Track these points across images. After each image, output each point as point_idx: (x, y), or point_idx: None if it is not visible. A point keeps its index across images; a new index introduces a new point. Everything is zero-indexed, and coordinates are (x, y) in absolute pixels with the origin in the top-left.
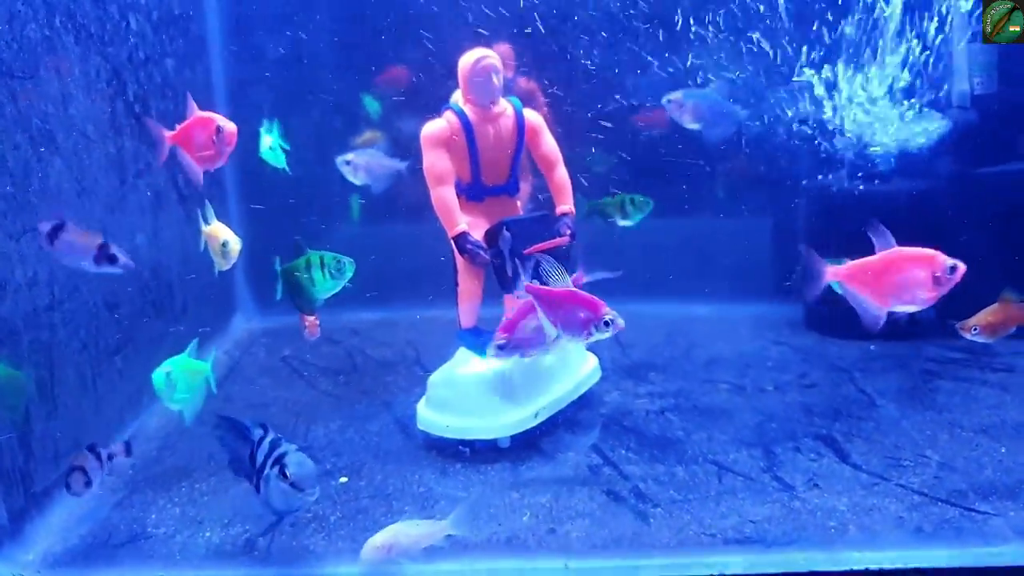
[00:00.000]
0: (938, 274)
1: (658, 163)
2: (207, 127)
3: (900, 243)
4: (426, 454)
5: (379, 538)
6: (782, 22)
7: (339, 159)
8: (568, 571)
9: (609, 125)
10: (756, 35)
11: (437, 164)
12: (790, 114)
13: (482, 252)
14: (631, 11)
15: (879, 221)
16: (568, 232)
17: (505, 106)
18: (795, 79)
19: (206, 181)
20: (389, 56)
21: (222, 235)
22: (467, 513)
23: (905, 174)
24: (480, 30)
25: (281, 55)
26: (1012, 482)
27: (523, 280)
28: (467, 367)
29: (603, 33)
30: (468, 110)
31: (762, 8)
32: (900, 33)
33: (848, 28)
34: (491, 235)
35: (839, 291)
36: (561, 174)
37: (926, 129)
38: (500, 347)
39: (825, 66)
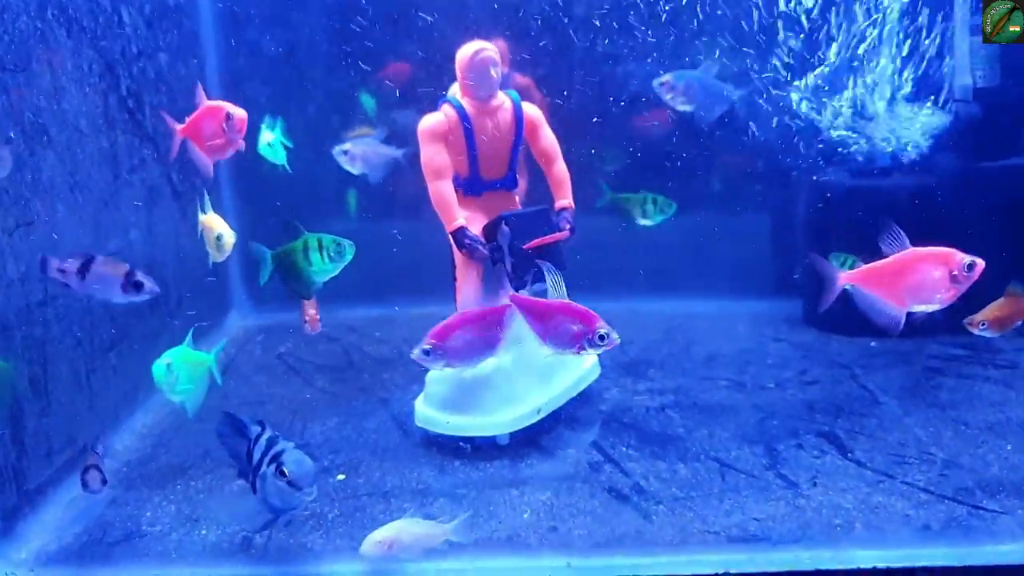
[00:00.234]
0: (955, 272)
1: (654, 159)
2: (216, 116)
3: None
4: (424, 451)
5: (380, 533)
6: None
7: (336, 149)
8: (571, 569)
9: (597, 119)
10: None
11: (435, 158)
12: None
13: (480, 247)
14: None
15: (893, 222)
16: (568, 227)
17: (503, 99)
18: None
19: (200, 177)
20: (385, 49)
21: (217, 228)
22: (469, 521)
23: (907, 169)
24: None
25: (275, 50)
26: (1019, 479)
27: (525, 279)
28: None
29: (596, 22)
30: (466, 103)
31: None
32: (900, 24)
33: (848, 22)
34: (489, 230)
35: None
36: (560, 168)
37: (928, 123)
38: (425, 352)
39: (823, 59)
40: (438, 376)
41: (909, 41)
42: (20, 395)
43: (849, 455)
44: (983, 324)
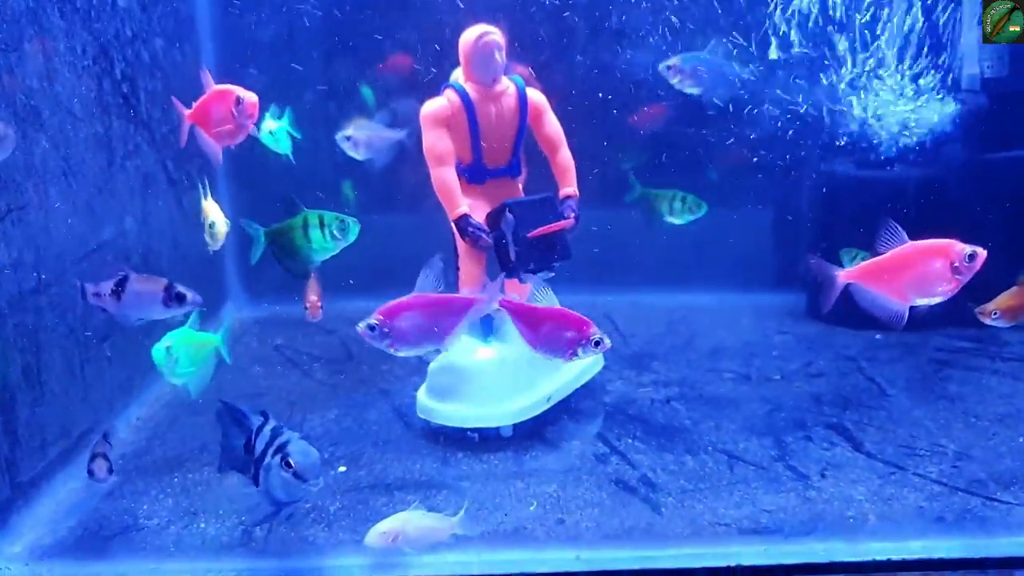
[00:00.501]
0: (956, 263)
1: (652, 150)
2: (226, 100)
3: (909, 231)
4: (426, 443)
5: (385, 525)
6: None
7: (339, 135)
8: (580, 562)
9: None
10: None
11: (438, 144)
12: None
13: (484, 235)
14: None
15: (890, 218)
16: (572, 215)
17: (507, 84)
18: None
19: (195, 164)
20: (384, 38)
21: (211, 215)
22: (474, 514)
23: (913, 160)
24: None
25: (272, 36)
26: None
27: (529, 267)
28: (469, 354)
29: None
30: (469, 88)
31: None
32: (908, 13)
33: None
34: (493, 217)
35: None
36: (565, 156)
37: (935, 113)
38: (371, 327)
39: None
40: (441, 367)
41: (912, 26)
42: (13, 384)
43: (859, 447)
44: (995, 313)
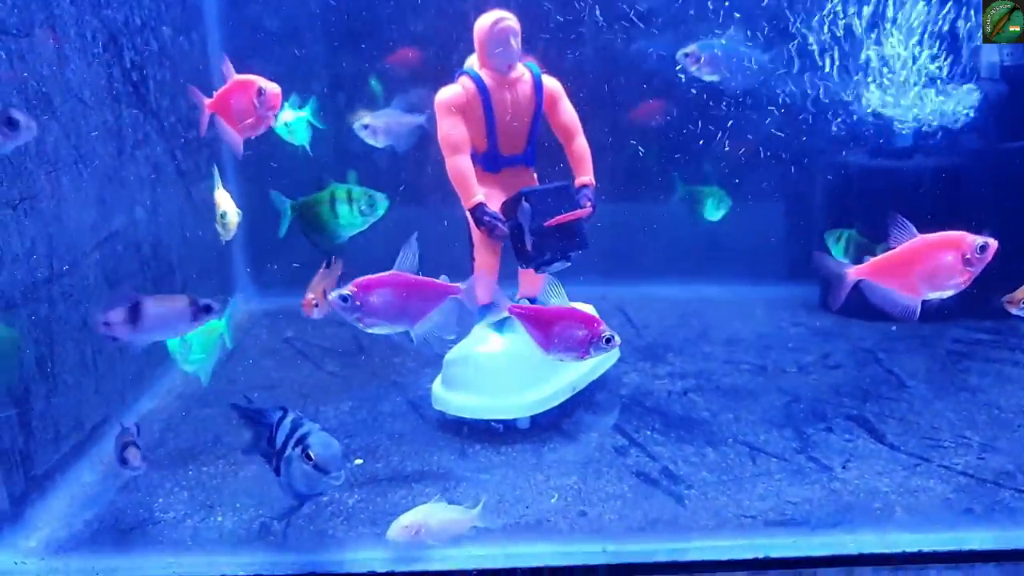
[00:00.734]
0: (968, 255)
1: (662, 142)
2: (247, 91)
3: (926, 222)
4: (443, 435)
5: (407, 518)
6: None
7: (356, 124)
8: (607, 554)
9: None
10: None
11: (453, 132)
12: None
13: (500, 224)
14: None
15: (898, 213)
16: (589, 204)
17: (523, 71)
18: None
19: (204, 155)
20: (395, 26)
21: (222, 205)
22: (495, 506)
23: (930, 149)
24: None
25: (279, 25)
26: None
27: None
28: (485, 345)
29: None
30: (485, 75)
31: None
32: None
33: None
34: (509, 206)
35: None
36: (581, 144)
37: (953, 102)
38: (343, 297)
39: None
40: (457, 358)
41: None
42: (27, 376)
43: (881, 439)
44: None
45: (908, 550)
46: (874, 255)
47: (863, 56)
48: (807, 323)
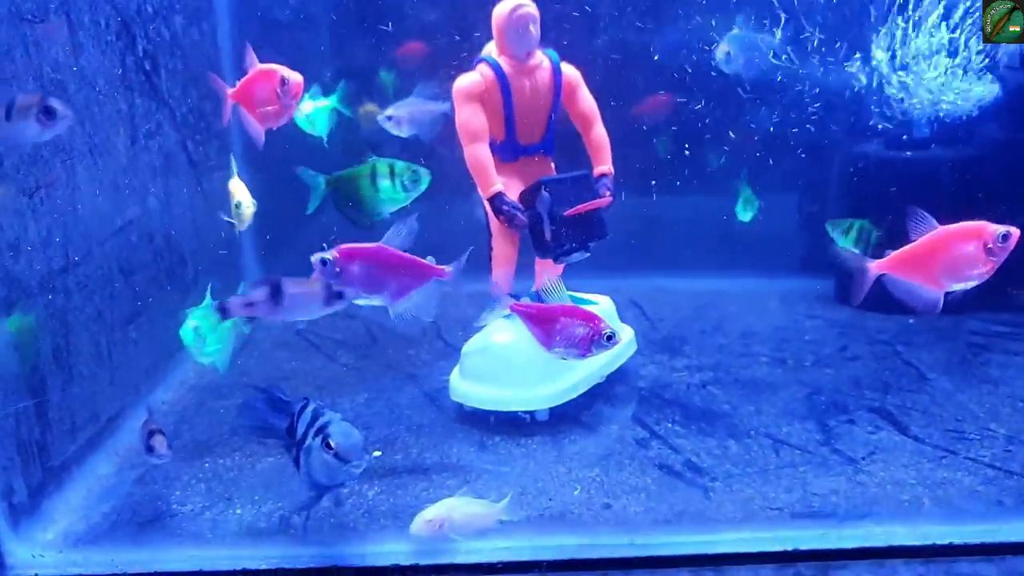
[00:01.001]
0: (990, 245)
1: (678, 136)
2: (270, 80)
3: (945, 214)
4: (461, 427)
5: (431, 512)
6: None
7: (380, 116)
8: (635, 547)
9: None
10: None
11: (472, 120)
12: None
13: (519, 213)
14: None
15: (916, 205)
16: (608, 193)
17: (541, 58)
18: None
19: (214, 147)
20: (408, 16)
21: (237, 195)
22: (518, 499)
23: (949, 140)
24: None
25: (289, 15)
26: None
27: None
28: (503, 335)
29: None
30: (503, 62)
31: None
32: None
33: None
34: (527, 196)
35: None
36: (599, 132)
37: (972, 91)
38: (323, 261)
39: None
40: (475, 348)
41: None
42: (43, 366)
43: (905, 431)
44: None
45: (939, 542)
46: (873, 240)
47: (879, 43)
48: (823, 316)
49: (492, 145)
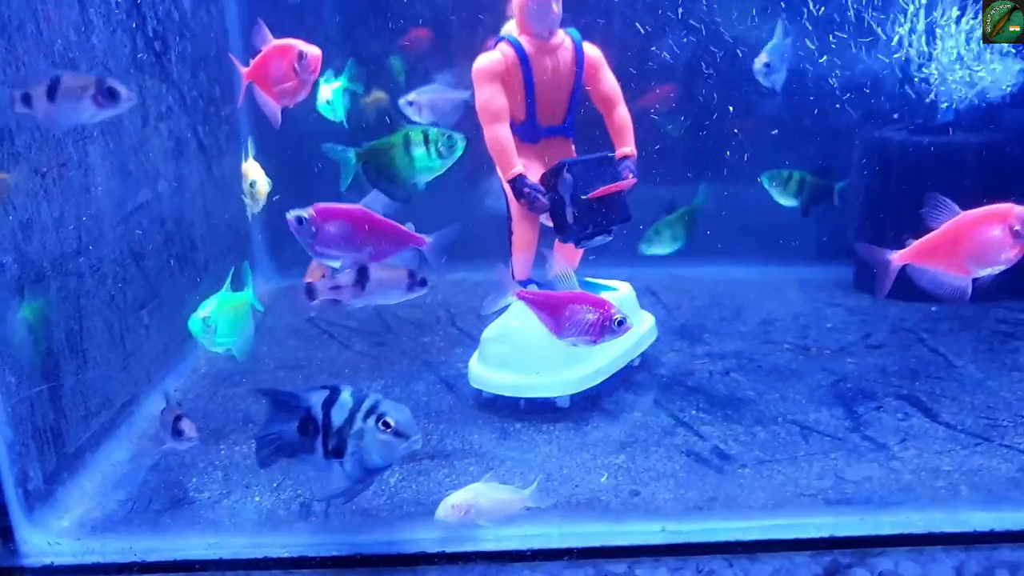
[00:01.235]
0: (1016, 227)
1: (695, 123)
2: (287, 55)
3: (968, 199)
4: (480, 413)
5: (457, 497)
6: None
7: (401, 100)
8: (666, 534)
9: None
10: None
11: (493, 100)
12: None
13: (540, 196)
14: None
15: (939, 194)
16: (631, 175)
17: (563, 37)
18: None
19: (223, 133)
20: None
21: (251, 174)
22: (544, 485)
23: (973, 124)
24: None
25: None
26: None
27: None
28: (524, 321)
29: None
30: (524, 41)
31: None
32: None
33: None
34: (549, 178)
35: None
36: (622, 113)
37: (998, 74)
38: (299, 219)
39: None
40: (496, 334)
41: None
42: (57, 351)
43: (936, 418)
44: None
45: (979, 529)
46: (832, 196)
47: (900, 26)
48: (843, 303)
49: (512, 126)
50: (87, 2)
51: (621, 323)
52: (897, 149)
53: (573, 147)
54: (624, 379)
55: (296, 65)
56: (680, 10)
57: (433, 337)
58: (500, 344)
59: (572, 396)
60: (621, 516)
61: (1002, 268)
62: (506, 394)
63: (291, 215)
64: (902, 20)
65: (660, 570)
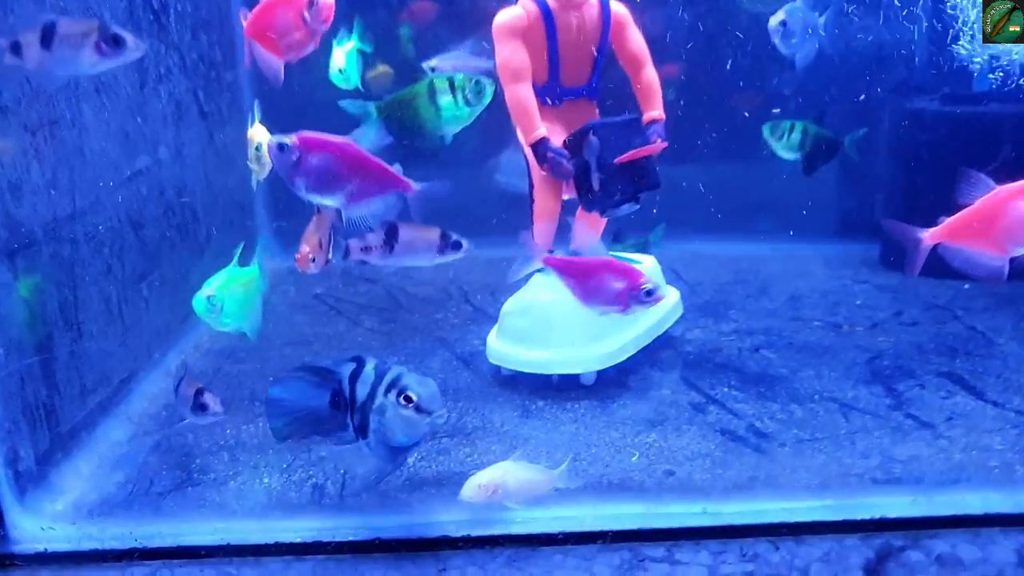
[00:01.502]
0: None
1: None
2: (294, 2)
3: (1001, 174)
4: (500, 390)
5: (484, 477)
6: None
7: (425, 65)
8: (707, 516)
9: None
10: None
11: (513, 58)
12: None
13: (565, 161)
14: None
15: (970, 168)
16: (659, 140)
17: None
18: None
19: (225, 100)
20: None
21: (257, 138)
22: (573, 465)
23: (1004, 95)
24: None
25: None
26: None
27: (614, 197)
28: (546, 294)
29: None
30: None
31: None
32: None
33: None
34: (574, 142)
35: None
36: (650, 74)
37: None
38: (280, 146)
39: None
40: (516, 308)
41: None
42: (50, 321)
43: (981, 396)
44: None
45: None
46: (839, 150)
47: None
48: (871, 280)
49: (533, 88)
50: None
51: (651, 292)
52: (929, 119)
53: (597, 111)
54: (648, 356)
55: (306, 13)
56: None
57: (446, 314)
58: (521, 318)
59: (597, 373)
60: (657, 497)
61: None
62: (527, 370)
63: (272, 140)
64: None
65: (702, 553)
